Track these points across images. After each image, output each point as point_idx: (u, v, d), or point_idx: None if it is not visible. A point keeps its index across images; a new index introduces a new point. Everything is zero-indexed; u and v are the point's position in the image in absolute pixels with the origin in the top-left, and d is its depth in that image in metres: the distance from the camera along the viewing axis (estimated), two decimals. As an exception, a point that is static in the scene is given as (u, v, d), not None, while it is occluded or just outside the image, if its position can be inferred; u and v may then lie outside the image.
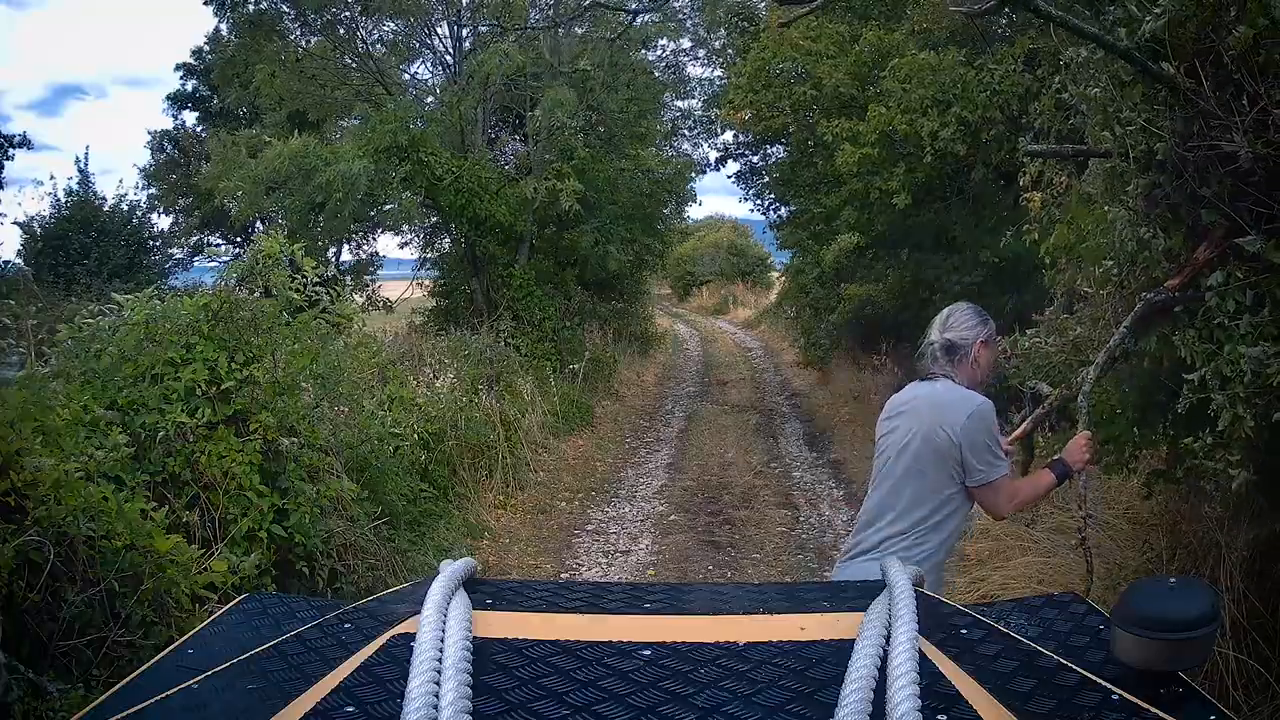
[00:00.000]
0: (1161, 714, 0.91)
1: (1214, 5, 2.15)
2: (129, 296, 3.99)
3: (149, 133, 15.04)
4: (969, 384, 2.36)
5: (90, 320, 3.86)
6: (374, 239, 13.59)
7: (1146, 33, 2.22)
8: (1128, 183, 2.49)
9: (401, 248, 13.16)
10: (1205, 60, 2.19)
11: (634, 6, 8.61)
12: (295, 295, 4.37)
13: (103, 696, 1.17)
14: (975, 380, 2.38)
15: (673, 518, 6.64)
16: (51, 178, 23.82)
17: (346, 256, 13.47)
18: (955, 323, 2.39)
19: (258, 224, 11.56)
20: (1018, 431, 2.90)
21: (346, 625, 1.12)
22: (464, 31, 11.29)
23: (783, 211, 11.95)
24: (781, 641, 0.98)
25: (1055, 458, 2.45)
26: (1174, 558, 3.37)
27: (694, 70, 13.81)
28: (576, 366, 10.27)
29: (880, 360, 9.76)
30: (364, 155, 9.09)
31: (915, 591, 1.06)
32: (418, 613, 0.99)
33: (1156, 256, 2.48)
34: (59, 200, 12.13)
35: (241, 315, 4.02)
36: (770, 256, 26.71)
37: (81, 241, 11.83)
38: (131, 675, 1.21)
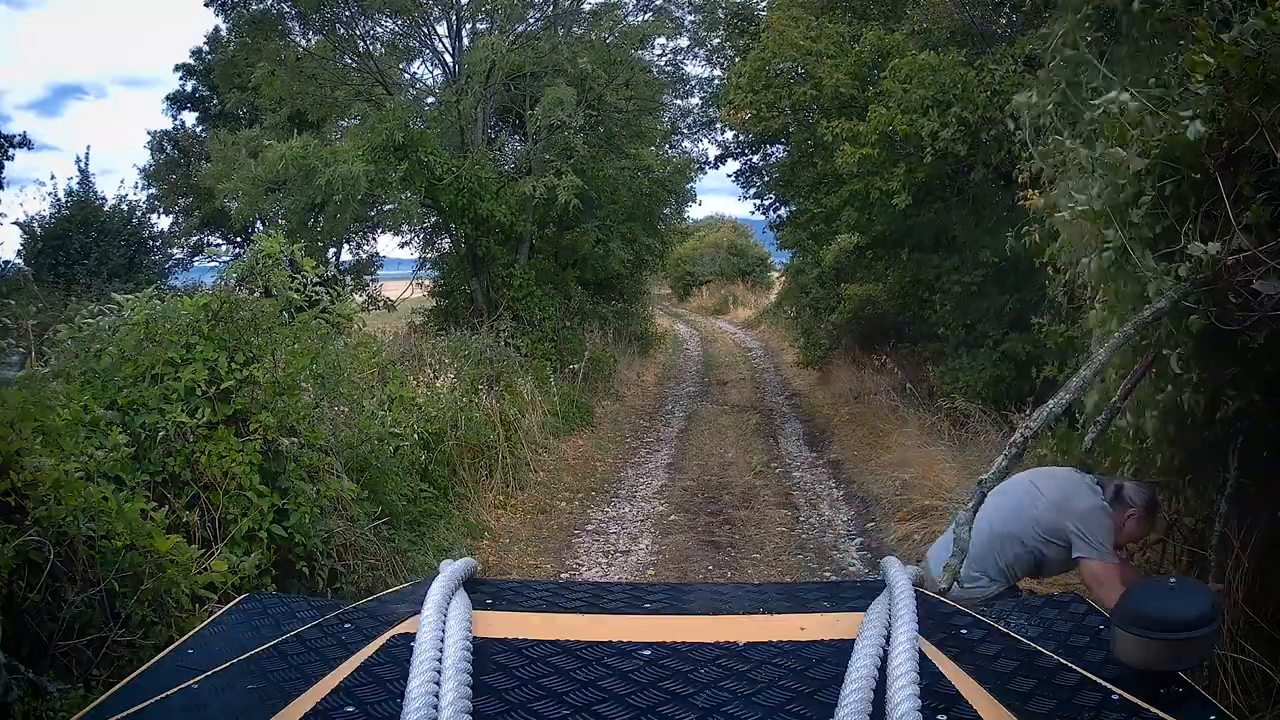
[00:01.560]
0: (1161, 714, 0.91)
1: None
2: (129, 296, 3.99)
3: (149, 133, 15.05)
4: (1114, 525, 2.67)
5: (90, 320, 3.85)
6: (374, 239, 13.62)
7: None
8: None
9: (401, 248, 13.17)
10: None
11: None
12: (295, 295, 4.37)
13: (103, 696, 1.17)
14: (1118, 528, 2.69)
15: (673, 518, 6.63)
16: (52, 178, 23.84)
17: (346, 256, 13.49)
18: (1134, 487, 2.75)
19: (258, 224, 11.55)
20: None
21: (346, 625, 1.12)
22: (463, 30, 11.28)
23: (782, 211, 11.93)
24: (781, 641, 0.97)
25: None
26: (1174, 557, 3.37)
27: (693, 69, 13.79)
28: (576, 366, 10.26)
29: (880, 360, 9.75)
30: (362, 155, 9.08)
31: (915, 591, 1.06)
32: (418, 613, 0.99)
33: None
34: (59, 200, 12.14)
35: (241, 315, 4.02)
36: (770, 256, 26.70)
37: (81, 241, 11.82)
38: (131, 675, 1.21)
